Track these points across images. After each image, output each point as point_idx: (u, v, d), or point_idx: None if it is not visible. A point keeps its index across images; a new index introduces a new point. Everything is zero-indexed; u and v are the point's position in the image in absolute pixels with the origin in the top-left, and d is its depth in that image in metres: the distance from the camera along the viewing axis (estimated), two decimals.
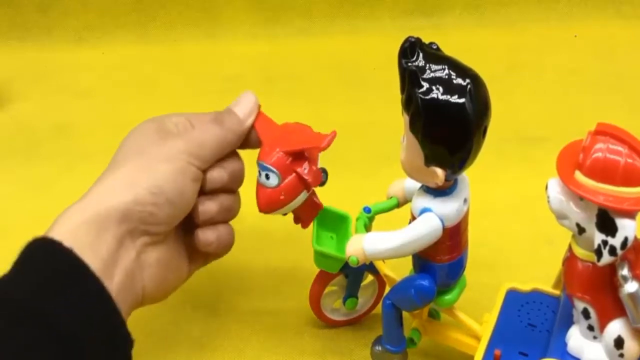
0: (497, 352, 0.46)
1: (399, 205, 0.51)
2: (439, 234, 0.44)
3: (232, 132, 0.49)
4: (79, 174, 0.72)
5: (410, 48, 0.40)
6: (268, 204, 0.48)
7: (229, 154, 0.49)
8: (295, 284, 0.58)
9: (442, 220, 0.44)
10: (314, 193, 0.50)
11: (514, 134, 0.75)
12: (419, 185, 0.45)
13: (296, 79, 0.84)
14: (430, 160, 0.42)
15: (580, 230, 0.41)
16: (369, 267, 0.51)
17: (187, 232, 0.49)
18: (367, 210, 0.51)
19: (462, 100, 0.40)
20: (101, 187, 0.44)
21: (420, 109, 0.40)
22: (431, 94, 0.40)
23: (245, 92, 0.51)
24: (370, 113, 0.78)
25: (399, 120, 0.43)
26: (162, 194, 0.45)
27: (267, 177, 0.47)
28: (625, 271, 0.41)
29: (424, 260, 0.46)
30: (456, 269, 0.47)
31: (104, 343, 0.41)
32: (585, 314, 0.43)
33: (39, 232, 0.42)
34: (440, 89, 0.40)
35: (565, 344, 0.45)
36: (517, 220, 0.65)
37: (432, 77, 0.40)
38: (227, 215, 0.50)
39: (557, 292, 0.50)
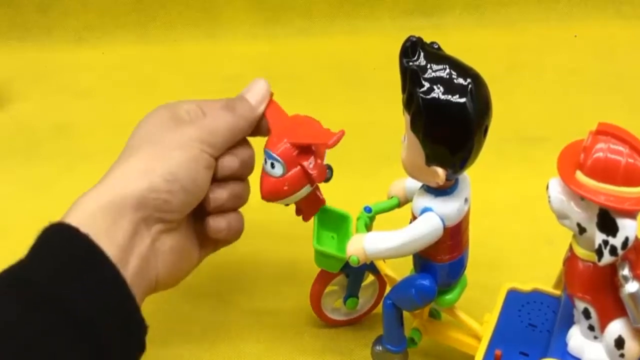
0: (498, 352, 0.46)
1: (399, 204, 0.51)
2: (439, 234, 0.44)
3: (243, 119, 0.48)
4: (79, 174, 0.72)
5: (412, 47, 0.40)
6: (271, 193, 0.48)
7: (240, 141, 0.49)
8: (295, 284, 0.58)
9: (442, 220, 0.44)
10: (317, 188, 0.50)
11: (514, 134, 0.75)
12: (419, 184, 0.45)
13: (296, 79, 0.84)
14: (431, 160, 0.42)
15: (581, 230, 0.41)
16: (370, 266, 0.51)
17: (198, 219, 0.49)
18: (367, 209, 0.51)
19: (463, 99, 0.40)
20: (116, 174, 0.45)
21: (421, 108, 0.40)
22: (432, 94, 0.40)
23: (257, 79, 0.50)
24: (370, 113, 0.78)
25: (399, 120, 0.43)
26: (177, 181, 0.45)
27: (273, 166, 0.47)
28: (626, 271, 0.41)
29: (424, 259, 0.46)
30: (457, 268, 0.47)
31: (119, 329, 0.41)
32: (586, 314, 0.43)
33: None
34: (442, 88, 0.40)
35: (565, 344, 0.45)
36: (518, 220, 0.65)
37: (433, 76, 0.40)
38: (237, 202, 0.50)
39: (557, 292, 0.50)
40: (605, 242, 0.39)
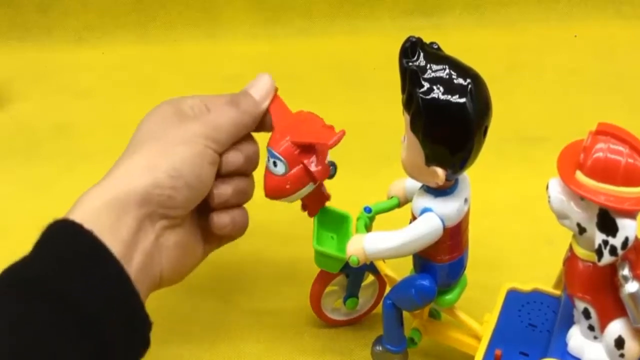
0: (498, 352, 0.46)
1: (399, 205, 0.51)
2: (439, 234, 0.44)
3: (248, 115, 0.48)
4: (79, 174, 0.72)
5: (411, 48, 0.40)
6: (273, 191, 0.48)
7: (244, 136, 0.49)
8: (295, 284, 0.58)
9: (442, 220, 0.44)
10: (322, 184, 0.50)
11: (514, 134, 0.75)
12: (419, 185, 0.45)
13: (296, 79, 0.83)
14: (431, 160, 0.42)
15: (581, 230, 0.41)
16: (370, 267, 0.51)
17: (202, 214, 0.49)
18: (367, 210, 0.51)
19: (462, 100, 0.40)
20: (120, 170, 0.45)
21: (421, 108, 0.40)
22: (432, 94, 0.40)
23: (262, 74, 0.50)
24: (370, 113, 0.78)
25: (399, 120, 0.43)
26: (181, 177, 0.45)
27: (275, 164, 0.47)
28: (626, 271, 0.40)
29: (424, 260, 0.46)
30: (457, 268, 0.47)
31: (123, 325, 0.41)
32: (586, 314, 0.43)
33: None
34: (441, 88, 0.40)
35: (565, 344, 0.45)
36: (518, 220, 0.65)
37: (433, 76, 0.40)
38: (242, 198, 0.49)
39: (557, 292, 0.50)
40: (605, 242, 0.39)
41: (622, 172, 0.39)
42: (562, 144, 0.42)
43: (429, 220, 0.44)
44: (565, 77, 0.85)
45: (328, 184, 0.50)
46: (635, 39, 0.91)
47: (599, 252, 0.40)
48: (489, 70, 0.43)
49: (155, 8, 0.94)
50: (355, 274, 0.53)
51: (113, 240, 0.41)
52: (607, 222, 0.39)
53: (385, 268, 0.50)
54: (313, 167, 0.47)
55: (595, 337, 0.44)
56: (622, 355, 0.42)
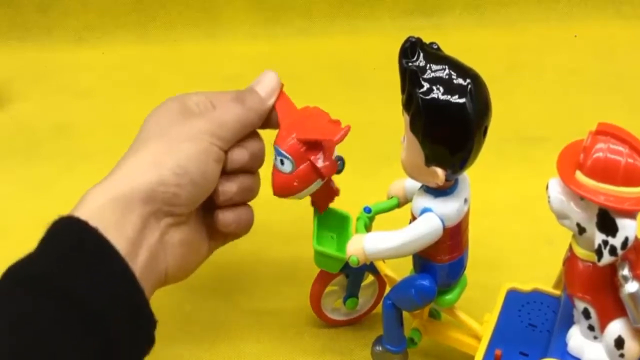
0: (498, 352, 0.46)
1: (399, 205, 0.51)
2: (439, 234, 0.44)
3: (253, 112, 0.48)
4: (79, 174, 0.72)
5: (411, 48, 0.40)
6: (281, 189, 0.48)
7: (250, 133, 0.49)
8: (295, 284, 0.58)
9: (442, 220, 0.44)
10: (330, 180, 0.50)
11: (514, 134, 0.75)
12: (419, 185, 0.45)
13: (296, 79, 0.83)
14: (430, 160, 0.42)
15: (581, 230, 0.41)
16: (370, 267, 0.51)
17: (207, 212, 0.48)
18: (367, 210, 0.51)
19: (462, 100, 0.40)
20: (125, 167, 0.44)
21: (420, 108, 0.40)
22: (432, 94, 0.40)
23: (267, 71, 0.50)
24: (370, 113, 0.78)
25: (399, 120, 0.43)
26: (186, 174, 0.44)
27: (282, 162, 0.47)
28: (625, 271, 0.41)
29: (424, 260, 0.46)
30: (457, 268, 0.47)
31: (128, 322, 0.41)
32: (586, 314, 0.43)
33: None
34: (441, 88, 0.40)
35: (565, 344, 0.45)
36: (517, 220, 0.65)
37: (433, 77, 0.40)
38: (247, 195, 0.49)
39: (557, 292, 0.50)
40: (605, 242, 0.39)
41: (622, 172, 0.39)
42: (562, 144, 0.42)
43: (428, 221, 0.44)
44: (565, 77, 0.85)
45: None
46: (635, 39, 0.91)
47: (599, 252, 0.40)
48: (489, 70, 0.43)
49: (155, 8, 0.94)
50: (355, 274, 0.53)
51: (118, 237, 0.41)
52: (606, 222, 0.39)
53: (385, 268, 0.50)
54: (320, 164, 0.47)
55: (595, 337, 0.44)
56: (622, 355, 0.42)
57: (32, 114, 0.83)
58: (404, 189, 0.50)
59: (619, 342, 0.42)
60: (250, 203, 0.50)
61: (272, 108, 0.49)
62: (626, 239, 0.39)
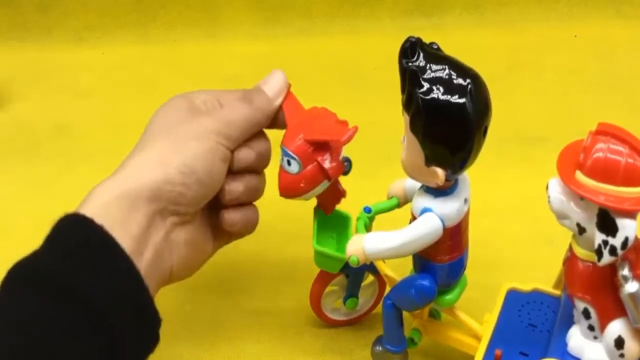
0: (498, 352, 0.46)
1: (399, 205, 0.51)
2: (439, 234, 0.44)
3: (260, 112, 0.48)
4: (79, 174, 0.72)
5: (411, 48, 0.40)
6: (288, 190, 0.48)
7: (257, 133, 0.49)
8: (295, 284, 0.58)
9: (442, 220, 0.44)
10: (337, 181, 0.50)
11: (514, 134, 0.75)
12: (419, 185, 0.45)
13: (296, 79, 0.83)
14: (430, 160, 0.42)
15: (581, 230, 0.41)
16: (370, 267, 0.51)
17: (212, 211, 0.48)
18: (367, 210, 0.51)
19: (462, 100, 0.40)
20: (131, 165, 0.44)
21: (420, 108, 0.40)
22: (432, 94, 0.40)
23: (275, 71, 0.50)
24: (370, 113, 0.77)
25: (399, 120, 0.43)
26: (192, 174, 0.44)
27: (289, 163, 0.47)
28: (625, 271, 0.41)
29: (424, 260, 0.46)
30: (457, 268, 0.47)
31: (133, 320, 0.41)
32: (586, 314, 0.43)
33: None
34: (441, 88, 0.40)
35: (565, 344, 0.45)
36: (517, 220, 0.65)
37: (433, 77, 0.40)
38: (253, 195, 0.49)
39: (557, 292, 0.50)
40: (605, 242, 0.39)
41: (622, 172, 0.39)
42: (562, 144, 0.42)
43: (428, 221, 0.44)
44: (565, 77, 0.85)
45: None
46: (635, 39, 0.91)
47: (599, 252, 0.40)
48: (489, 70, 0.43)
49: (155, 8, 0.94)
50: (355, 274, 0.53)
51: (123, 235, 0.41)
52: (606, 222, 0.39)
53: (385, 268, 0.50)
54: (327, 165, 0.47)
55: (595, 337, 0.44)
56: (622, 355, 0.42)
57: (32, 114, 0.83)
58: (404, 189, 0.50)
59: (619, 342, 0.42)
60: None
61: (280, 108, 0.49)
62: (626, 239, 0.39)
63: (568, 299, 0.44)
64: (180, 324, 0.56)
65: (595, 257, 0.40)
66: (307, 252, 0.51)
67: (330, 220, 0.52)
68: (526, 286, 0.51)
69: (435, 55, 0.41)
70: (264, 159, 0.49)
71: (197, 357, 0.54)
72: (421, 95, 0.40)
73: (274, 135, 0.50)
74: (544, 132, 0.75)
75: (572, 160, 0.40)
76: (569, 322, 0.45)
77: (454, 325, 0.51)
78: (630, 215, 0.39)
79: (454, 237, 0.45)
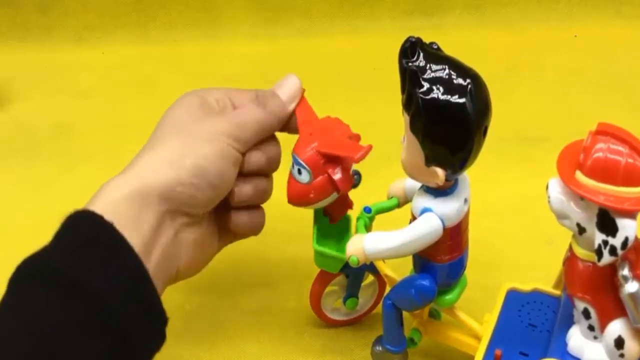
0: (498, 352, 0.46)
1: (399, 205, 0.51)
2: (439, 234, 0.44)
3: (273, 116, 0.48)
4: (79, 174, 0.72)
5: (411, 48, 0.40)
6: (297, 199, 0.48)
7: (268, 137, 0.48)
8: (295, 284, 0.58)
9: (442, 220, 0.44)
10: (346, 193, 0.50)
11: (514, 134, 0.75)
12: (419, 185, 0.45)
13: None
14: (430, 160, 0.42)
15: (581, 230, 0.41)
16: (370, 267, 0.51)
17: (219, 211, 0.48)
18: (367, 210, 0.51)
19: (462, 100, 0.40)
20: (143, 162, 0.44)
21: (420, 108, 0.40)
22: (432, 94, 0.40)
23: (290, 75, 0.50)
24: (370, 113, 0.78)
25: (399, 120, 0.43)
26: (204, 177, 0.44)
27: (300, 172, 0.47)
28: (625, 271, 0.40)
29: (424, 260, 0.46)
30: (457, 268, 0.47)
31: (141, 317, 0.41)
32: (586, 314, 0.43)
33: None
34: (441, 88, 0.40)
35: (565, 344, 0.45)
36: (517, 220, 0.65)
37: (433, 77, 0.40)
38: (261, 198, 0.49)
39: (557, 292, 0.50)
40: (605, 242, 0.39)
41: (622, 172, 0.39)
42: (562, 144, 0.42)
43: (428, 221, 0.44)
44: (565, 77, 0.85)
45: None
46: (635, 39, 0.91)
47: (599, 252, 0.40)
48: (489, 70, 0.43)
49: (155, 8, 0.94)
50: (355, 274, 0.53)
51: (133, 234, 0.41)
52: (606, 222, 0.39)
53: (385, 268, 0.50)
54: (337, 177, 0.47)
55: (595, 337, 0.44)
56: (622, 355, 0.42)
57: (32, 114, 0.83)
58: (404, 189, 0.50)
59: (619, 342, 0.42)
60: None
61: (292, 113, 0.49)
62: (626, 239, 0.39)
63: (568, 299, 0.44)
64: (180, 324, 0.56)
65: (595, 257, 0.40)
66: (307, 252, 0.51)
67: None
68: (526, 286, 0.51)
69: (435, 55, 0.41)
70: (274, 163, 0.49)
71: (197, 357, 0.54)
72: (421, 95, 0.40)
73: (284, 139, 0.50)
74: (544, 132, 0.75)
75: (572, 160, 0.40)
76: (569, 322, 0.45)
77: (454, 325, 0.51)
78: (630, 215, 0.39)
79: (454, 237, 0.45)
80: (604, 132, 0.39)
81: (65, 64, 0.91)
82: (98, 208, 0.41)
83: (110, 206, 0.41)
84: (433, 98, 0.40)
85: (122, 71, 0.90)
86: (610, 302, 0.42)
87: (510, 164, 0.71)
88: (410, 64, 0.40)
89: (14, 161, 0.76)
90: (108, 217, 0.41)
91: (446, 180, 0.43)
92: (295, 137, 0.49)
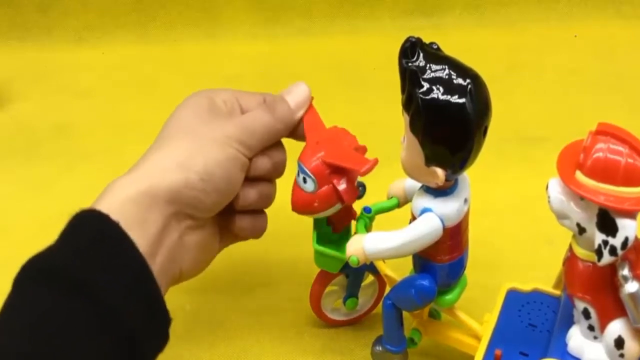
0: (498, 352, 0.46)
1: (399, 205, 0.51)
2: (439, 234, 0.44)
3: (281, 122, 0.48)
4: (79, 174, 0.72)
5: (411, 48, 0.40)
6: (301, 207, 0.48)
7: (274, 143, 0.49)
8: (295, 284, 0.58)
9: (442, 220, 0.44)
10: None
11: (514, 134, 0.75)
12: (419, 185, 0.45)
13: (296, 79, 0.83)
14: (430, 160, 0.42)
15: (581, 230, 0.41)
16: (370, 267, 0.51)
17: (222, 214, 0.48)
18: (367, 210, 0.51)
19: (462, 100, 0.40)
20: (150, 162, 0.44)
21: (420, 108, 0.40)
22: (432, 94, 0.40)
23: (299, 82, 0.50)
24: (370, 113, 0.78)
25: (399, 120, 0.43)
26: (212, 181, 0.44)
27: (305, 180, 0.47)
28: (625, 271, 0.40)
29: (424, 260, 0.46)
30: (457, 268, 0.47)
31: (146, 317, 0.41)
32: (586, 314, 0.43)
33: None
34: (441, 89, 0.40)
35: (565, 344, 0.45)
36: (517, 220, 0.65)
37: (433, 77, 0.40)
38: (265, 202, 0.49)
39: (557, 292, 0.50)
40: (605, 242, 0.39)
41: (622, 172, 0.39)
42: (562, 144, 0.42)
43: (428, 221, 0.44)
44: (565, 77, 0.85)
45: None
46: (635, 39, 0.91)
47: (599, 252, 0.40)
48: (489, 70, 0.43)
49: (155, 8, 0.94)
50: (355, 274, 0.53)
51: (139, 234, 0.41)
52: (606, 222, 0.39)
53: (385, 268, 0.50)
54: (342, 189, 0.47)
55: (595, 337, 0.44)
56: (622, 355, 0.42)
57: (32, 114, 0.83)
58: (404, 189, 0.50)
59: (619, 342, 0.42)
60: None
61: (300, 120, 0.49)
62: (626, 239, 0.39)
63: (568, 299, 0.44)
64: (180, 324, 0.56)
65: (595, 257, 0.40)
66: (307, 252, 0.51)
67: None
68: (526, 286, 0.51)
69: (435, 55, 0.41)
70: (279, 169, 0.49)
71: (197, 357, 0.54)
72: (421, 95, 0.40)
73: (289, 145, 0.50)
74: (544, 132, 0.75)
75: (572, 160, 0.40)
76: (569, 322, 0.45)
77: (454, 325, 0.51)
78: (630, 215, 0.39)
79: (454, 237, 0.45)
80: (604, 132, 0.39)
81: (65, 64, 0.91)
82: (104, 207, 0.41)
83: (116, 206, 0.41)
84: (433, 98, 0.40)
85: (122, 71, 0.90)
86: (610, 302, 0.42)
87: (510, 164, 0.71)
88: (410, 64, 0.40)
89: (14, 161, 0.76)
90: (114, 216, 0.41)
91: (446, 180, 0.43)
92: (302, 143, 0.49)
